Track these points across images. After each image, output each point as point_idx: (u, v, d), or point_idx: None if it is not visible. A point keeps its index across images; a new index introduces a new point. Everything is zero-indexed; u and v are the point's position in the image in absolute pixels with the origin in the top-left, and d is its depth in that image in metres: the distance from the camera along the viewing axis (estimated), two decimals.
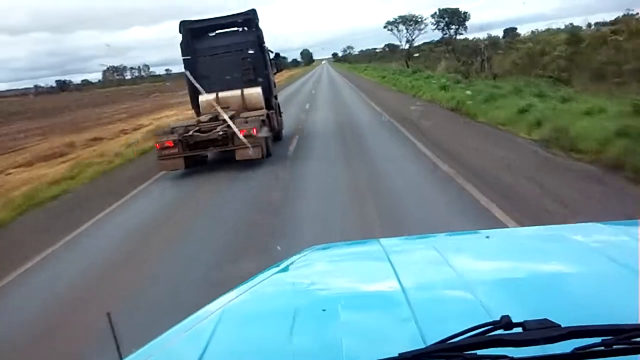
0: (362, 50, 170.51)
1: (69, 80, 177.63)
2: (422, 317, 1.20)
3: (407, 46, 54.45)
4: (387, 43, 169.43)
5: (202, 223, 8.19)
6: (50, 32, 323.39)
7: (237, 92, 13.14)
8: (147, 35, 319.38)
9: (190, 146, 11.41)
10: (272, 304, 1.53)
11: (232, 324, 1.40)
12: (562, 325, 0.95)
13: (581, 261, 1.55)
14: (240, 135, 11.03)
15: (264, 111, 12.80)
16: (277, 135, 14.42)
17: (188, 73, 13.16)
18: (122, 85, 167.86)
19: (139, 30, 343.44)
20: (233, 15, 13.45)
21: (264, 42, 13.57)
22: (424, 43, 57.44)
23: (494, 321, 0.99)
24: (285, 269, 1.78)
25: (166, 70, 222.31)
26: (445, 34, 51.36)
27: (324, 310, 1.32)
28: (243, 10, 13.23)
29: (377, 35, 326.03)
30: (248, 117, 11.93)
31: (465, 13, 50.37)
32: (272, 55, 15.10)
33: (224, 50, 13.31)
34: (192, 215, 8.72)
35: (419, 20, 51.10)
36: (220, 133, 11.19)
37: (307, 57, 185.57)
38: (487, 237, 1.87)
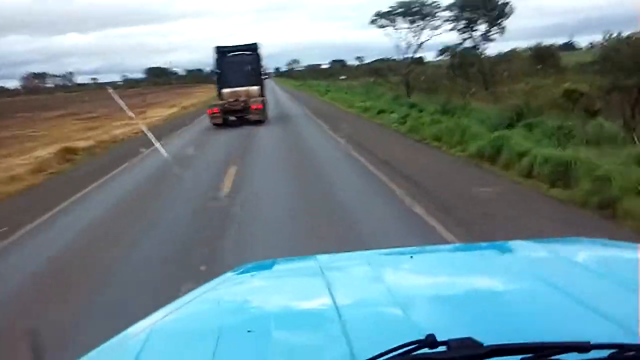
0: (308, 66, 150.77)
1: None
2: (353, 335, 1.15)
3: (411, 54, 31.89)
4: (334, 59, 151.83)
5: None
6: None
7: (245, 88, 21.28)
8: (83, 42, 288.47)
9: (226, 112, 20.90)
10: (201, 324, 1.41)
11: (160, 344, 1.31)
12: (486, 344, 0.95)
13: (510, 279, 1.52)
14: (252, 108, 20.69)
15: (262, 98, 21.87)
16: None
17: (215, 77, 22.60)
18: (38, 94, 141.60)
19: (75, 37, 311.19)
20: (245, 45, 22.67)
21: (261, 61, 22.90)
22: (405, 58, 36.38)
23: (418, 340, 0.98)
24: (218, 287, 1.68)
25: (92, 79, 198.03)
26: (468, 37, 29.31)
27: (249, 331, 1.25)
28: (250, 42, 22.72)
29: (322, 52, 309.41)
30: (255, 100, 21.21)
31: (505, 4, 27.81)
32: (265, 69, 25.29)
33: (238, 64, 21.91)
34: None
35: (432, 9, 27.94)
36: (242, 105, 20.76)
37: None
38: (411, 256, 1.79)
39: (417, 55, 32.86)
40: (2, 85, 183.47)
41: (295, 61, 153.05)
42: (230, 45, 22.64)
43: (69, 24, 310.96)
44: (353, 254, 1.96)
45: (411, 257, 1.77)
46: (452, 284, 1.54)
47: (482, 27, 29.22)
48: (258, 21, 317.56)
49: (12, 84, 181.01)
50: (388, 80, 53.42)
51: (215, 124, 20.66)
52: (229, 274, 1.80)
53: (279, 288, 1.68)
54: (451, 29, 30.16)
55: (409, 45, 30.42)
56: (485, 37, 30.15)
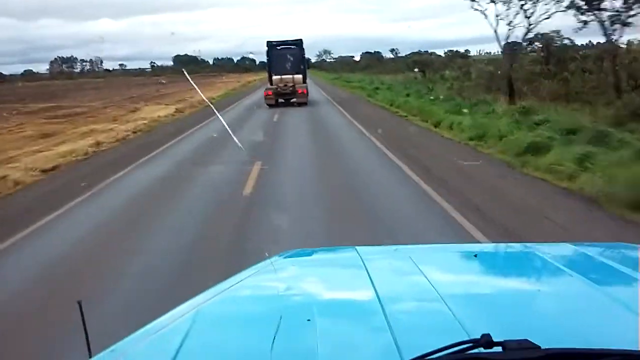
0: (339, 57, 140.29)
1: None
2: (397, 328, 1.11)
3: (521, 37, 20.75)
4: (365, 51, 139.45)
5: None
6: (15, 18, 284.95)
7: (291, 75, 25.21)
8: (115, 28, 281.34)
9: (278, 95, 25.18)
10: (247, 308, 1.40)
11: (206, 326, 1.29)
12: (541, 347, 0.91)
13: (560, 281, 1.45)
14: (299, 92, 24.90)
15: (305, 84, 25.89)
16: None
17: (267, 66, 26.89)
18: (61, 79, 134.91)
19: (107, 23, 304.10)
20: (291, 40, 26.92)
21: (304, 53, 27.32)
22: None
23: (474, 339, 0.94)
24: (260, 273, 1.62)
25: (120, 64, 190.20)
26: (588, 19, 18.65)
27: (308, 320, 1.19)
28: (296, 39, 26.92)
29: (351, 44, 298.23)
30: (300, 85, 25.31)
31: None
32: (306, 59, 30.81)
33: (285, 56, 25.95)
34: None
35: None
36: (290, 89, 24.98)
37: None
38: (475, 255, 1.67)
39: (529, 36, 21.92)
40: (31, 68, 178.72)
41: (327, 52, 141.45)
42: (279, 40, 26.76)
43: (101, 9, 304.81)
44: (395, 247, 1.86)
45: (475, 255, 1.67)
46: (497, 283, 1.48)
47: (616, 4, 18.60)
48: (287, 12, 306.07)
49: (45, 67, 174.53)
50: (443, 77, 42.98)
51: (268, 104, 25.23)
52: (270, 260, 1.70)
53: (321, 277, 1.63)
54: (568, 7, 19.58)
55: (511, 26, 19.44)
56: (619, 20, 19.57)
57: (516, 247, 2.04)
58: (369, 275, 1.43)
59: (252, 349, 1.12)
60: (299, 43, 26.71)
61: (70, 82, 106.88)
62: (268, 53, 26.42)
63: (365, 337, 1.15)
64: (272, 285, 1.52)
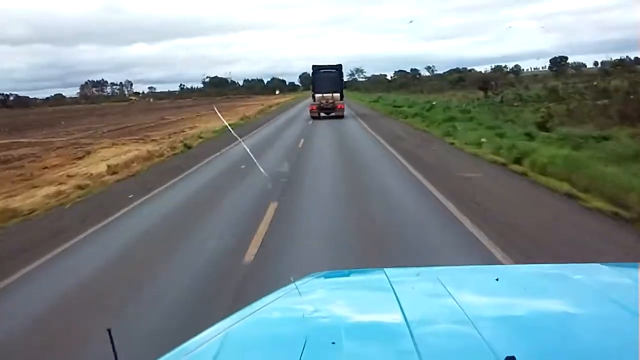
0: (372, 76, 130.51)
1: (12, 94, 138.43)
2: (424, 351, 1.11)
3: None
4: (397, 69, 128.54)
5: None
6: (51, 44, 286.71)
7: (330, 94, 30.35)
8: (149, 52, 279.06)
9: (320, 109, 30.39)
10: (276, 331, 1.39)
11: (235, 349, 1.29)
12: None
13: (585, 302, 1.40)
14: (338, 107, 30.52)
15: (343, 101, 31.30)
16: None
17: (311, 86, 32.13)
18: (77, 104, 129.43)
19: (142, 47, 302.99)
20: (332, 65, 32.13)
21: (342, 76, 33.78)
22: None
23: None
24: (288, 295, 1.59)
25: (149, 88, 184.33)
26: None
27: (333, 343, 1.18)
28: (336, 64, 32.57)
29: (382, 63, 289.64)
30: (339, 102, 30.64)
31: None
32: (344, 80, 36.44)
33: (326, 78, 30.73)
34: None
35: None
36: (330, 105, 30.22)
37: (307, 81, 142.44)
38: (497, 279, 1.59)
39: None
40: (62, 92, 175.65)
41: (360, 70, 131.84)
42: (322, 64, 32.04)
43: (137, 34, 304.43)
44: (422, 269, 1.80)
45: (497, 279, 1.58)
46: (526, 305, 1.42)
47: None
48: (318, 34, 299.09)
49: (76, 91, 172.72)
50: (522, 98, 32.20)
51: (312, 117, 30.29)
52: (298, 283, 1.65)
53: (350, 299, 1.60)
54: None
55: None
56: None
57: (545, 268, 1.97)
58: (396, 297, 1.42)
59: None
60: (338, 67, 32.36)
61: (86, 107, 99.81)
62: (313, 75, 32.12)
63: None
64: (299, 308, 1.48)
